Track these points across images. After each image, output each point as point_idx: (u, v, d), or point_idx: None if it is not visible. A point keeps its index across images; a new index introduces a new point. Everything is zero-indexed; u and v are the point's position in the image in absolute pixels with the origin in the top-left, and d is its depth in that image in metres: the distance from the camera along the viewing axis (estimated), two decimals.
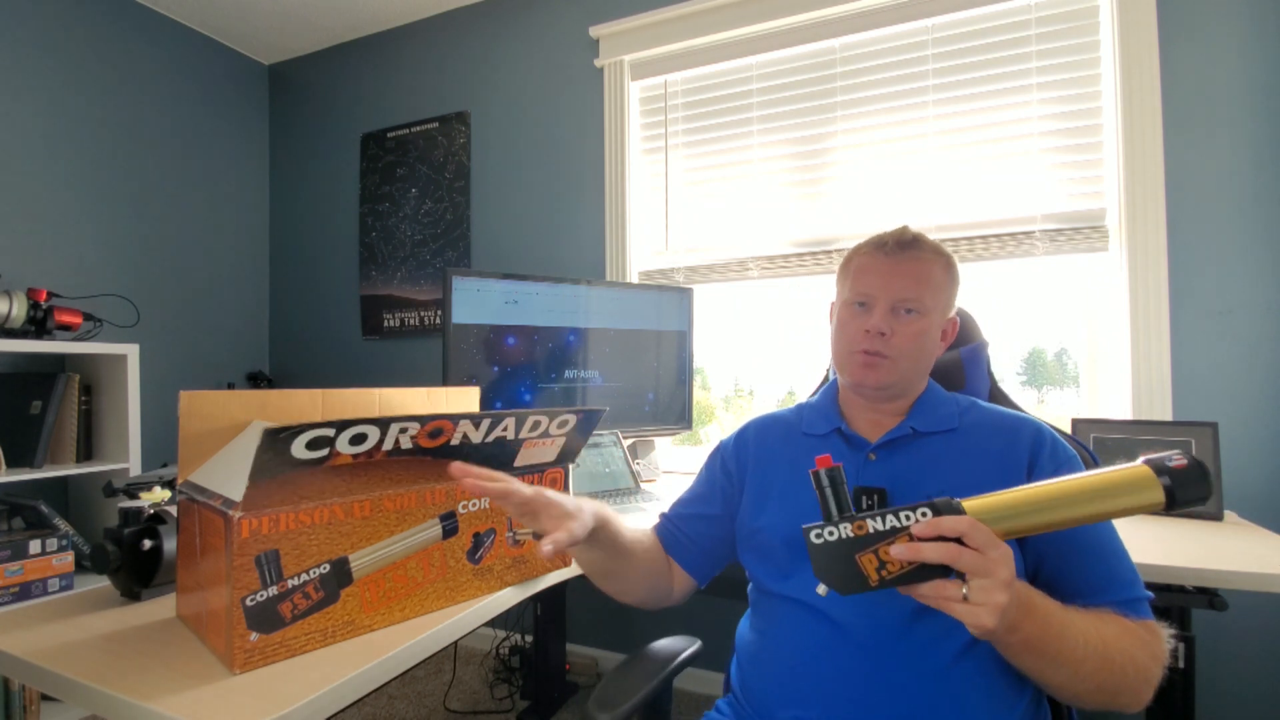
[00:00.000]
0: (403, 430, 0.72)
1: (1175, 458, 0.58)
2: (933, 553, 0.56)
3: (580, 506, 0.74)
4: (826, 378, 1.23)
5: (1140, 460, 0.59)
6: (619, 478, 1.56)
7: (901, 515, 0.59)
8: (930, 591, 0.58)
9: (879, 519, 0.59)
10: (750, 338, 2.09)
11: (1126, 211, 1.55)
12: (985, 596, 0.55)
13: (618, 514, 0.84)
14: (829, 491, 0.61)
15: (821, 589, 0.61)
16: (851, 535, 0.60)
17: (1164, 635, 0.67)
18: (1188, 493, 0.56)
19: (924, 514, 0.58)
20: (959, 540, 0.56)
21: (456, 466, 0.69)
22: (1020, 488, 0.61)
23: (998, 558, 0.55)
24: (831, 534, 0.60)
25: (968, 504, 0.60)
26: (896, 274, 0.81)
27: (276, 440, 0.62)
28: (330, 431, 0.66)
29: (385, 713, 1.86)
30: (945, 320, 0.85)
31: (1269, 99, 1.45)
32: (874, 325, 0.80)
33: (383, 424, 0.70)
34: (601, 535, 0.78)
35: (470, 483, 0.68)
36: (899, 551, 0.58)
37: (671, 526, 0.94)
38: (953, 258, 0.85)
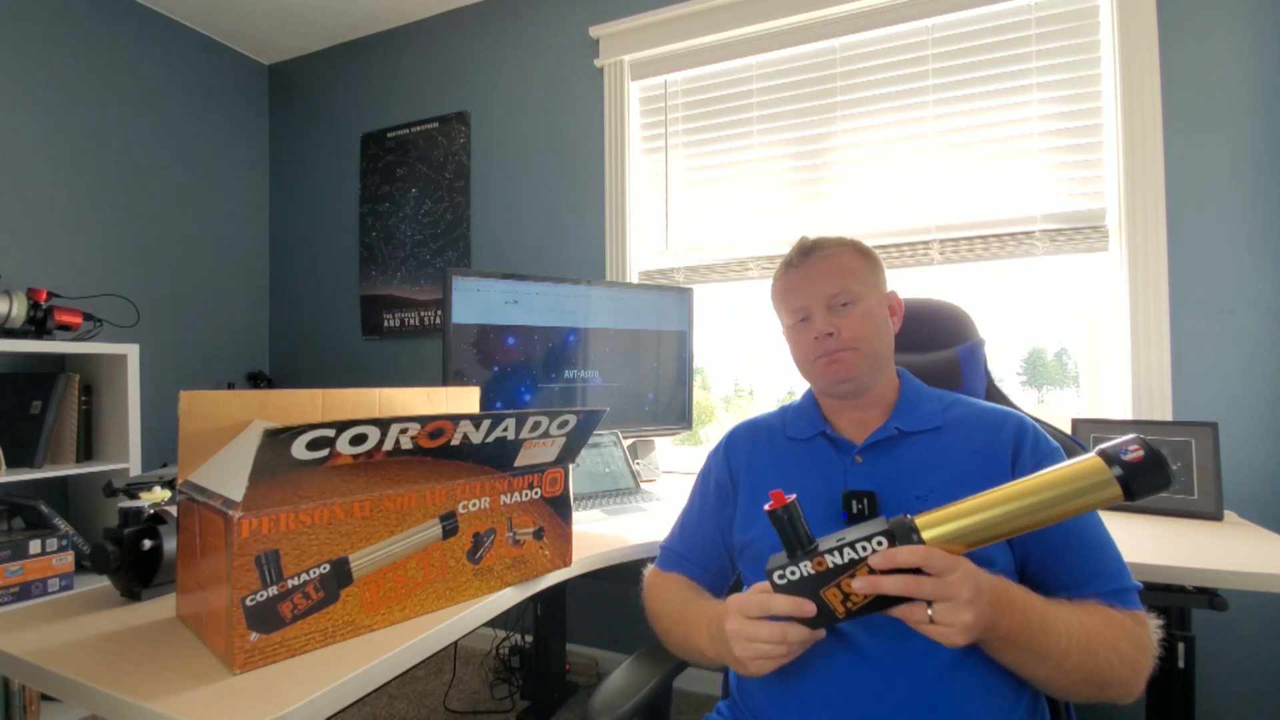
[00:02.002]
0: (403, 431, 0.72)
1: (1131, 449, 0.55)
2: (892, 585, 0.57)
3: None
4: None
5: (1094, 452, 0.57)
6: (619, 478, 1.56)
7: (858, 546, 0.59)
8: (899, 614, 0.59)
9: (837, 553, 0.59)
10: (750, 338, 2.09)
11: (1126, 211, 1.55)
12: (951, 618, 0.56)
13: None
14: (788, 528, 0.61)
15: (794, 626, 0.62)
16: (813, 572, 0.60)
17: (1152, 625, 0.68)
18: (1144, 483, 0.54)
19: (879, 543, 0.58)
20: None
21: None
22: (978, 496, 0.60)
23: (956, 580, 0.56)
24: (794, 573, 0.60)
25: (924, 519, 0.60)
26: (814, 278, 0.84)
27: (276, 441, 0.62)
28: (330, 432, 0.66)
29: (385, 713, 1.86)
30: (884, 297, 0.87)
31: (1269, 99, 1.45)
32: (819, 329, 0.82)
33: (383, 424, 0.70)
34: None
35: None
36: (860, 586, 0.58)
37: (693, 567, 0.92)
38: (861, 244, 0.87)
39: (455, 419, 0.75)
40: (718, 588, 0.91)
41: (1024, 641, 0.62)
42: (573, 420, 0.88)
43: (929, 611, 0.56)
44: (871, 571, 0.58)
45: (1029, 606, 0.62)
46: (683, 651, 0.84)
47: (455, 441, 0.78)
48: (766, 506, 0.61)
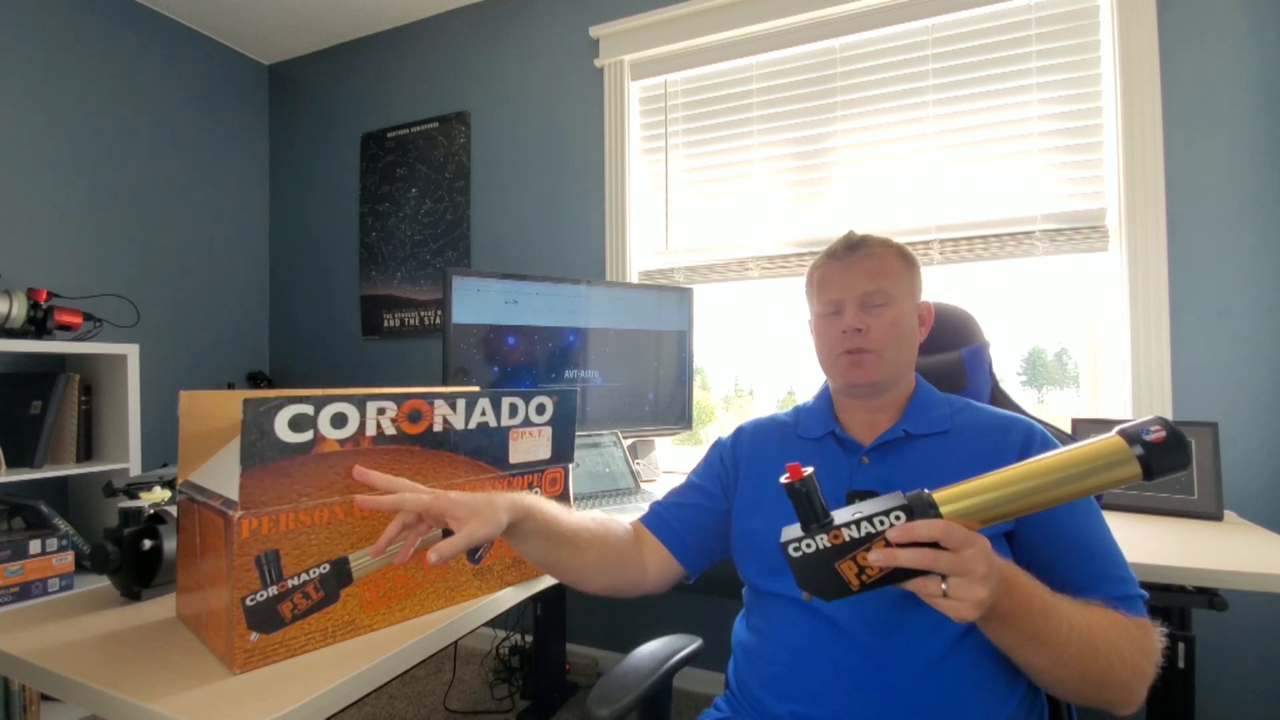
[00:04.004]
0: (381, 411, 0.72)
1: (1153, 430, 0.55)
2: (909, 558, 0.56)
3: (490, 502, 0.72)
4: None
5: (1114, 432, 0.57)
6: (619, 478, 1.56)
7: (876, 520, 0.58)
8: (912, 588, 0.58)
9: (854, 527, 0.59)
10: (750, 338, 2.09)
11: (1126, 211, 1.55)
12: (964, 593, 0.55)
13: (553, 502, 0.82)
14: (804, 500, 0.61)
15: (806, 595, 0.62)
16: (829, 545, 0.59)
17: (1156, 633, 0.67)
18: (1163, 462, 0.54)
19: (897, 517, 0.58)
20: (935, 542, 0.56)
21: (357, 470, 0.68)
22: (995, 472, 0.60)
23: (973, 555, 0.56)
24: (809, 546, 0.60)
25: (941, 495, 0.59)
26: (854, 273, 0.85)
27: (259, 414, 0.63)
28: (309, 409, 0.67)
29: (385, 713, 1.86)
30: (916, 306, 0.87)
31: (1269, 99, 1.45)
32: (849, 324, 0.83)
33: (359, 401, 0.71)
34: (528, 526, 0.76)
35: (362, 499, 0.69)
36: (876, 559, 0.58)
37: (664, 513, 0.93)
38: (905, 248, 0.88)
39: (429, 397, 0.76)
40: (693, 560, 0.91)
41: (1023, 624, 0.61)
42: (549, 404, 0.89)
43: (943, 586, 0.56)
44: (888, 545, 0.58)
45: (1031, 592, 0.62)
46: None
47: (438, 428, 0.78)
48: (783, 479, 0.61)
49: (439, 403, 0.78)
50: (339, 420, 0.70)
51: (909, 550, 0.56)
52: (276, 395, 0.65)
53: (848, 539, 0.59)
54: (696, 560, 0.91)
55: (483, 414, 0.83)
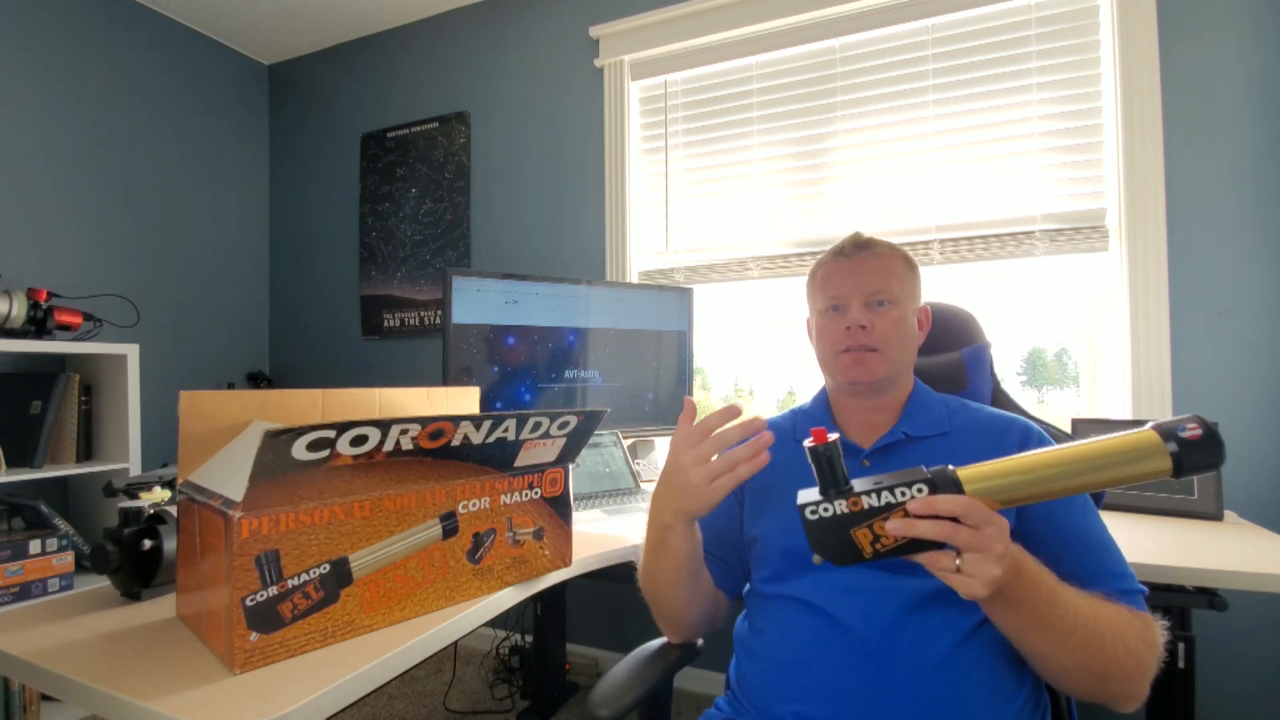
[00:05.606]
0: (404, 431, 0.72)
1: (1189, 427, 0.55)
2: (928, 530, 0.56)
3: None
4: None
5: (1148, 426, 0.57)
6: (619, 478, 1.56)
7: (898, 491, 0.58)
8: (924, 560, 0.58)
9: (874, 495, 0.59)
10: (750, 338, 2.09)
11: (1126, 211, 1.55)
12: (979, 570, 0.55)
13: None
14: (825, 465, 0.60)
15: (816, 558, 0.62)
16: (847, 511, 0.59)
17: (1157, 627, 0.67)
18: (1196, 460, 0.54)
19: (920, 489, 0.58)
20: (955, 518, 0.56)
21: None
22: (1022, 455, 0.60)
23: (992, 533, 0.55)
24: (827, 510, 0.60)
25: (966, 473, 0.59)
26: (860, 272, 0.85)
27: (277, 442, 0.62)
28: (331, 433, 0.66)
29: (385, 713, 1.86)
30: (917, 309, 0.88)
31: (1269, 99, 1.45)
32: (854, 320, 0.83)
33: (384, 425, 0.70)
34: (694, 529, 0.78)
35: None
36: (894, 528, 0.58)
37: (708, 557, 0.91)
38: (908, 253, 0.89)
39: (456, 420, 0.75)
40: (733, 584, 0.91)
41: (1030, 608, 0.61)
42: (574, 421, 0.88)
43: (957, 561, 0.56)
44: (907, 516, 0.58)
45: (1039, 577, 0.62)
46: (655, 586, 0.84)
47: (455, 442, 0.78)
48: (807, 443, 0.61)
49: (464, 424, 0.77)
50: (359, 440, 0.69)
51: (928, 522, 0.56)
52: (300, 426, 0.63)
53: (866, 506, 0.59)
54: (736, 584, 0.91)
55: (505, 431, 0.82)
